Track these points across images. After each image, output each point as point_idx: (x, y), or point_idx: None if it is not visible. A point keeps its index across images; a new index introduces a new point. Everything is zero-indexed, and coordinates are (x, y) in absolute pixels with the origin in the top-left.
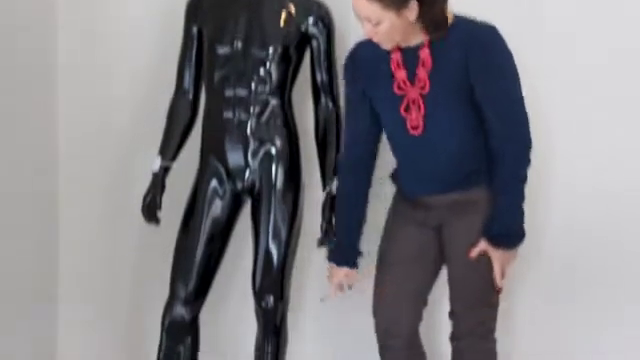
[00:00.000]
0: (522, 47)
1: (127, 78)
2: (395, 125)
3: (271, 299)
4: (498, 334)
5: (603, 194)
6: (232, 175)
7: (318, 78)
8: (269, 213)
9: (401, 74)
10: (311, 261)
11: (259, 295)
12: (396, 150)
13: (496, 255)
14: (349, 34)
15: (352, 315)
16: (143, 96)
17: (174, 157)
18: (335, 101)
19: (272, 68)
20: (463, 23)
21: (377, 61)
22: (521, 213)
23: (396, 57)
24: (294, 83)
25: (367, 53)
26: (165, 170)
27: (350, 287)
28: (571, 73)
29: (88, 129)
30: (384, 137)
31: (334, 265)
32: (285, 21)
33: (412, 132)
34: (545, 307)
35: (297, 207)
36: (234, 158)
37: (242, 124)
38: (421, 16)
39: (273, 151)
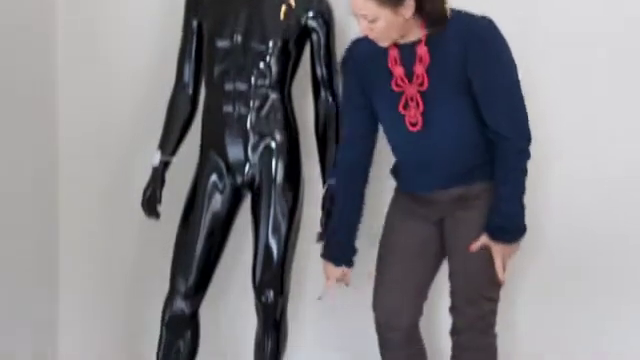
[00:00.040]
0: (518, 39)
1: (127, 78)
2: (394, 122)
3: (271, 294)
4: (498, 329)
5: (603, 188)
6: (232, 169)
7: (318, 72)
8: (269, 207)
9: (399, 71)
10: (311, 255)
11: (259, 290)
12: (395, 147)
13: (497, 249)
14: (349, 28)
15: (353, 308)
16: (143, 96)
17: (174, 151)
18: (335, 95)
19: (272, 62)
20: (460, 17)
21: (374, 58)
22: (521, 206)
23: (393, 54)
24: (294, 77)
25: (364, 50)
26: (165, 164)
27: (347, 284)
28: (569, 66)
29: (88, 129)
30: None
31: (330, 264)
32: (285, 15)
33: (411, 129)
34: (546, 302)
35: (297, 201)
36: (234, 152)
37: (242, 118)
38: (420, 12)
39: (273, 145)
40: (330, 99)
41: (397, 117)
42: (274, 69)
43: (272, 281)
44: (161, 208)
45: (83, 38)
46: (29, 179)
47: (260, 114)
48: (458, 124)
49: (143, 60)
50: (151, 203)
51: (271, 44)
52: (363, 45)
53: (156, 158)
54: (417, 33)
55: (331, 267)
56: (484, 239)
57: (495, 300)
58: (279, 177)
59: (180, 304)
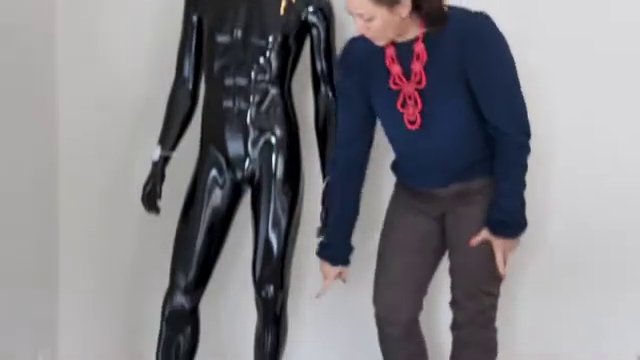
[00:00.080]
0: (517, 35)
1: (127, 78)
2: (392, 120)
3: (271, 288)
4: (498, 324)
5: (605, 184)
6: (232, 164)
7: (318, 67)
8: (269, 202)
9: (396, 69)
10: (311, 250)
11: (259, 284)
12: (395, 145)
13: (498, 243)
14: (349, 23)
15: (352, 303)
16: (143, 96)
17: (174, 147)
18: (335, 90)
19: (272, 57)
20: (457, 13)
21: (371, 56)
22: (522, 201)
23: (390, 52)
24: (294, 72)
25: (361, 48)
26: (165, 159)
27: (344, 281)
28: (569, 61)
29: (88, 129)
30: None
31: (327, 263)
32: (285, 10)
33: (410, 127)
34: (546, 298)
35: (297, 196)
36: (234, 147)
37: (242, 113)
38: (418, 11)
39: (273, 140)
40: (330, 94)
41: (395, 115)
42: (274, 64)
43: (272, 276)
44: (161, 203)
45: (83, 38)
46: (29, 179)
47: (260, 109)
48: (457, 122)
49: (143, 60)
50: (151, 198)
51: (271, 39)
52: (360, 44)
53: (156, 153)
54: (415, 31)
55: (328, 266)
56: (485, 234)
57: (495, 295)
58: (279, 172)
59: (180, 299)
